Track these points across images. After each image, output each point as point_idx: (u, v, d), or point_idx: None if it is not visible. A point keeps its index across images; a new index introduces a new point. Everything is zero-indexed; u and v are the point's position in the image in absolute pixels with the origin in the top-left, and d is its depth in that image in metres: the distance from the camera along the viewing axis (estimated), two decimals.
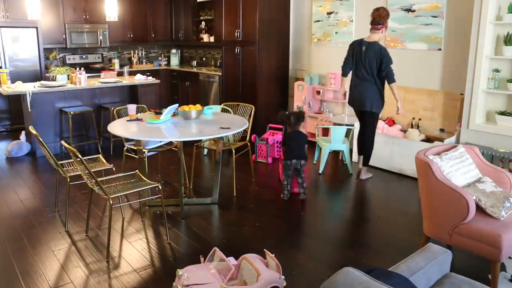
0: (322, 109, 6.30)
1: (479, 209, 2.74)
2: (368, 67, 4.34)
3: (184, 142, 3.76)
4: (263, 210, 3.97)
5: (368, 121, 4.56)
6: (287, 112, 4.23)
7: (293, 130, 4.14)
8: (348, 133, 5.17)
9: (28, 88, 5.46)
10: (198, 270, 2.55)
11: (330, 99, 6.08)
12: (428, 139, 4.74)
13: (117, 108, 4.83)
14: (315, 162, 5.31)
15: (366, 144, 4.64)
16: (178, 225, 3.65)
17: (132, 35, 8.34)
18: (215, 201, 4.11)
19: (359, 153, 4.84)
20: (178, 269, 2.53)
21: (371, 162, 5.10)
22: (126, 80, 6.27)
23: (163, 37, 8.82)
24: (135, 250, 3.23)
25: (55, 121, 5.78)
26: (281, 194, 4.24)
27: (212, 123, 3.85)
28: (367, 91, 4.41)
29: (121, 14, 7.95)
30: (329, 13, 6.10)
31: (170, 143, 4.41)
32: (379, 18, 4.31)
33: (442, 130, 4.86)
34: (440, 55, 4.89)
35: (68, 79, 6.00)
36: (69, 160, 3.84)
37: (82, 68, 7.26)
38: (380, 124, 5.02)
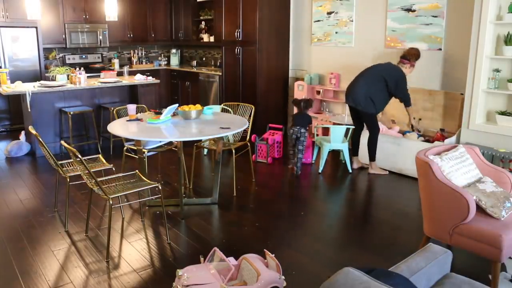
0: (322, 109, 6.30)
1: (480, 209, 2.74)
2: (372, 75, 4.68)
3: (184, 142, 3.76)
4: (263, 210, 3.96)
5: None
6: (299, 99, 5.07)
7: (301, 112, 5.00)
8: (347, 133, 5.18)
9: (27, 88, 5.45)
10: (198, 270, 2.54)
11: (330, 99, 6.08)
12: (428, 139, 4.73)
13: (117, 108, 4.83)
14: (313, 161, 5.31)
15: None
16: (178, 225, 3.64)
17: (132, 35, 8.33)
18: (215, 201, 4.10)
19: (354, 154, 5.12)
20: (178, 269, 2.53)
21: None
22: (126, 80, 6.26)
23: (163, 37, 8.82)
24: (135, 250, 3.23)
25: (54, 121, 5.77)
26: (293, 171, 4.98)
27: (212, 123, 3.84)
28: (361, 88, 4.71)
29: (121, 14, 7.95)
30: (329, 13, 6.10)
31: (170, 143, 4.41)
32: (407, 54, 4.67)
33: (442, 130, 4.86)
34: (440, 55, 4.89)
35: (68, 79, 5.99)
36: (69, 160, 3.84)
37: (82, 68, 7.27)
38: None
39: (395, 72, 4.61)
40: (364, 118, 4.81)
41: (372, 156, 4.88)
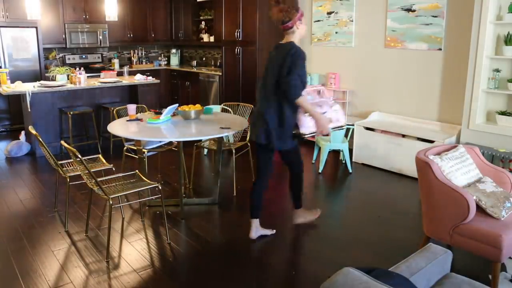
0: None
1: (480, 209, 2.74)
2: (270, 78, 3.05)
3: (184, 142, 3.76)
4: (263, 210, 3.95)
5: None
6: None
7: None
8: (347, 133, 5.18)
9: (27, 88, 5.45)
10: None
11: None
12: (428, 139, 4.73)
13: (117, 108, 4.83)
14: (313, 161, 5.31)
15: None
16: (178, 225, 3.64)
17: (132, 35, 8.33)
18: (215, 201, 4.10)
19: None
20: None
21: (369, 162, 5.11)
22: (126, 80, 6.26)
23: (163, 37, 8.82)
24: (135, 250, 3.23)
25: (54, 121, 5.77)
26: None
27: (212, 123, 3.84)
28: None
29: (121, 14, 7.94)
30: (329, 13, 6.09)
31: (170, 143, 4.41)
32: (283, 16, 3.09)
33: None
34: (440, 55, 4.89)
35: (68, 79, 5.99)
36: (69, 160, 3.84)
37: (82, 68, 7.25)
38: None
39: (292, 50, 3.03)
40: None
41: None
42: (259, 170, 3.25)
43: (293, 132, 3.11)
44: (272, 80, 3.00)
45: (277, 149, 3.12)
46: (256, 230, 3.36)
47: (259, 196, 3.29)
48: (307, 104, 2.98)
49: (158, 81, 6.51)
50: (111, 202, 3.04)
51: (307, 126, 3.08)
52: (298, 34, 3.06)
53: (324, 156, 4.97)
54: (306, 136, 3.12)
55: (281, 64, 2.93)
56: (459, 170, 2.86)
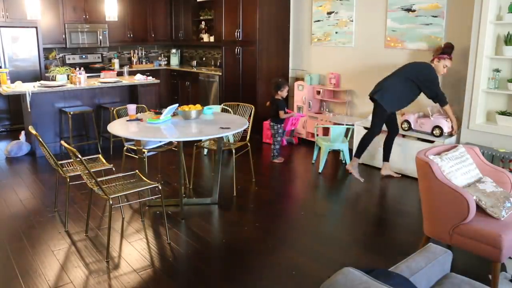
0: (322, 109, 6.30)
1: (480, 209, 2.74)
2: (405, 71, 4.48)
3: (184, 142, 3.76)
4: (263, 210, 3.96)
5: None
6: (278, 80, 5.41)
7: (272, 99, 5.34)
8: (347, 133, 5.18)
9: (27, 88, 5.45)
10: None
11: (330, 99, 6.08)
12: (429, 139, 4.73)
13: (117, 108, 4.83)
14: (313, 161, 5.31)
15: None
16: (178, 225, 3.64)
17: (132, 35, 8.33)
18: (215, 201, 4.10)
19: (384, 159, 4.84)
20: None
21: (369, 162, 5.11)
22: (126, 80, 6.26)
23: (163, 37, 8.82)
24: (135, 250, 3.23)
25: (54, 121, 5.77)
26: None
27: (212, 123, 3.84)
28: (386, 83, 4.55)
29: (121, 14, 7.94)
30: (329, 13, 6.09)
31: (170, 143, 4.41)
32: (434, 51, 4.58)
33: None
34: None
35: (68, 79, 5.99)
36: (69, 160, 3.84)
37: (82, 68, 7.25)
38: None
39: (424, 70, 4.38)
40: (373, 110, 4.59)
41: (356, 152, 4.74)
42: (371, 125, 4.64)
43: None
44: (411, 75, 4.39)
45: (380, 103, 4.44)
46: (354, 167, 4.75)
47: (365, 142, 4.66)
48: (450, 110, 4.43)
49: (158, 81, 6.51)
50: (111, 202, 3.04)
51: (447, 126, 4.54)
52: (438, 67, 4.45)
53: (324, 156, 4.97)
54: (445, 133, 4.56)
55: (422, 74, 4.37)
56: (459, 170, 2.86)
